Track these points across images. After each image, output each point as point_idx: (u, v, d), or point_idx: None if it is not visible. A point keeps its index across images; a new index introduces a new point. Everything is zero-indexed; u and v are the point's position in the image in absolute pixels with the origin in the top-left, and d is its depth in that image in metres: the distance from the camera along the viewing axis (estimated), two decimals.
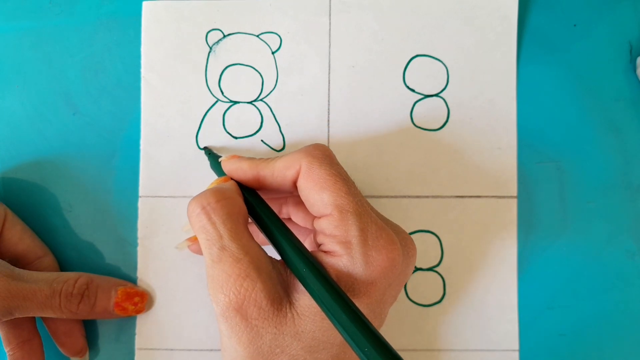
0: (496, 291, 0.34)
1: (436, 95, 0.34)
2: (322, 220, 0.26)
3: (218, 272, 0.25)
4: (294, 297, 0.25)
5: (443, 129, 0.34)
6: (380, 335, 0.23)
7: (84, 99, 0.35)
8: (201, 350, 0.34)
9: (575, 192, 0.34)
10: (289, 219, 0.32)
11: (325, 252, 0.26)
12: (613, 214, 0.34)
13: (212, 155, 0.33)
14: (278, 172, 0.27)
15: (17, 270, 0.30)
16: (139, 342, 0.34)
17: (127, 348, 0.34)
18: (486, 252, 0.34)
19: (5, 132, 0.35)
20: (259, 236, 0.30)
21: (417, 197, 0.34)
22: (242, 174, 0.29)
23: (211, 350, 0.34)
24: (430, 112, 0.34)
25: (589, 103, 0.34)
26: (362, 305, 0.25)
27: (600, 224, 0.34)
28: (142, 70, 0.35)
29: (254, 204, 0.28)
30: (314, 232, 0.28)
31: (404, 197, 0.34)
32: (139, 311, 0.33)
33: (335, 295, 0.23)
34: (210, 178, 0.34)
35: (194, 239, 0.31)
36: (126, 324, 0.34)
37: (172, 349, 0.34)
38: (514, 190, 0.34)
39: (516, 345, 0.34)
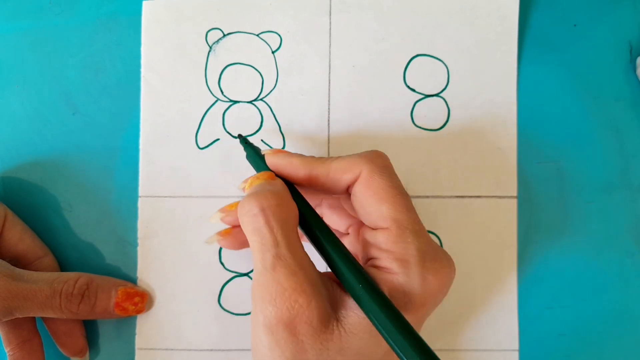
0: (496, 291, 0.34)
1: (436, 95, 0.34)
2: (378, 234, 0.25)
3: (270, 281, 0.24)
4: (341, 314, 0.24)
5: (443, 129, 0.34)
6: (437, 356, 0.22)
7: (84, 98, 0.35)
8: (201, 350, 0.34)
9: (575, 192, 0.34)
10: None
11: (377, 267, 0.25)
12: (613, 214, 0.34)
13: (251, 146, 0.31)
14: (334, 173, 0.26)
15: (17, 270, 0.30)
16: (139, 342, 0.34)
17: (127, 348, 0.34)
18: (486, 252, 0.34)
19: (5, 132, 0.35)
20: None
21: (417, 197, 0.34)
22: (292, 170, 0.27)
23: (211, 350, 0.34)
24: (430, 112, 0.34)
25: (589, 103, 0.34)
26: None
27: (600, 224, 0.34)
28: (142, 70, 0.35)
29: (303, 209, 0.26)
30: (364, 244, 0.27)
31: None
32: (139, 311, 0.33)
33: (393, 316, 0.23)
34: (214, 174, 0.34)
35: (224, 234, 0.30)
36: (126, 324, 0.34)
37: (172, 349, 0.34)
38: (514, 190, 0.34)
39: (516, 345, 0.34)
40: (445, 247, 0.34)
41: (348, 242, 0.30)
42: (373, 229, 0.26)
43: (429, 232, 0.34)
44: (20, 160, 0.35)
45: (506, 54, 0.34)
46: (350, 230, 0.30)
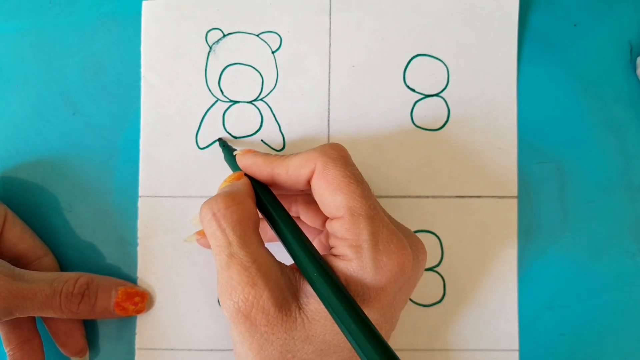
0: (496, 291, 0.34)
1: (436, 95, 0.34)
2: (334, 223, 0.26)
3: (226, 278, 0.25)
4: (303, 302, 0.25)
5: (443, 128, 0.34)
6: (387, 343, 0.23)
7: (83, 98, 0.35)
8: (201, 350, 0.34)
9: (575, 192, 0.34)
10: (298, 218, 0.32)
11: (335, 255, 0.26)
12: (613, 214, 0.34)
13: (227, 148, 0.32)
14: (292, 170, 0.27)
15: (17, 270, 0.30)
16: (139, 342, 0.34)
17: (128, 348, 0.34)
18: (486, 252, 0.34)
19: (5, 132, 0.35)
20: (268, 232, 0.31)
21: (417, 197, 0.34)
22: (256, 170, 0.29)
23: (211, 350, 0.34)
24: (430, 111, 0.34)
25: (589, 103, 0.34)
26: (372, 310, 0.25)
27: (600, 224, 0.34)
28: (142, 70, 0.35)
29: (267, 204, 0.28)
30: (325, 234, 0.28)
31: (404, 197, 0.34)
32: (140, 311, 0.33)
33: (344, 300, 0.23)
34: (214, 174, 0.34)
35: (202, 233, 0.31)
36: (126, 324, 0.34)
37: (172, 349, 0.34)
38: (514, 190, 0.34)
39: (516, 345, 0.34)
40: (445, 248, 0.34)
41: (323, 237, 0.30)
42: (332, 219, 0.26)
43: (429, 232, 0.34)
44: (20, 160, 0.35)
45: (506, 54, 0.34)
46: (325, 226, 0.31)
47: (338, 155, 0.27)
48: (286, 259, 0.27)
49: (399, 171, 0.34)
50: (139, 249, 0.34)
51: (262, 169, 0.28)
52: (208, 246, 0.33)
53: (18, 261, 0.33)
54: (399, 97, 0.34)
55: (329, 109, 0.34)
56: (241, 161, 0.29)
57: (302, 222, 0.32)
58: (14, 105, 0.35)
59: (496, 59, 0.34)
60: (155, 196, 0.34)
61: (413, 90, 0.34)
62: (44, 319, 0.34)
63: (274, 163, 0.28)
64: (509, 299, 0.34)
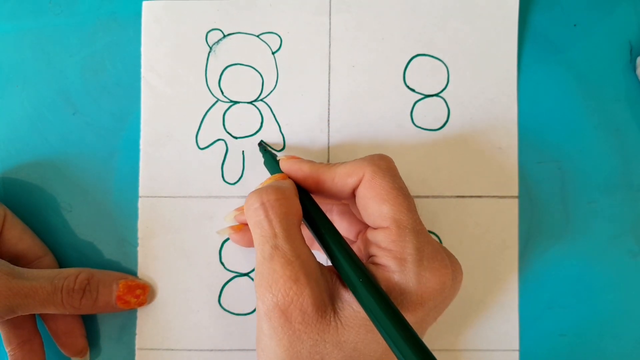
0: (497, 291, 0.34)
1: (436, 95, 0.34)
2: (379, 233, 0.26)
3: (268, 270, 0.25)
4: (338, 306, 0.25)
5: (443, 128, 0.34)
6: (431, 353, 0.22)
7: (83, 98, 0.35)
8: (201, 350, 0.34)
9: (576, 192, 0.34)
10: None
11: (376, 264, 0.26)
12: (614, 214, 0.34)
13: (268, 153, 0.32)
14: (339, 177, 0.27)
15: (17, 268, 0.30)
16: (139, 342, 0.34)
17: (128, 348, 0.34)
18: (487, 252, 0.34)
19: (5, 132, 0.35)
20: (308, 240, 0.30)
21: (417, 197, 0.34)
22: (301, 175, 0.28)
23: (211, 350, 0.34)
24: (430, 111, 0.34)
25: (589, 103, 0.34)
26: None
27: (601, 224, 0.34)
28: (142, 70, 0.35)
29: (310, 208, 0.28)
30: (363, 242, 0.28)
31: None
32: (142, 303, 0.33)
33: (388, 309, 0.23)
34: (215, 174, 0.34)
35: (236, 228, 0.31)
36: (126, 324, 0.34)
37: (172, 349, 0.34)
38: (515, 190, 0.34)
39: (516, 345, 0.34)
40: (445, 247, 0.34)
41: (357, 248, 0.30)
42: (375, 228, 0.26)
43: (430, 232, 0.34)
44: (20, 160, 0.35)
45: (506, 54, 0.34)
46: (359, 236, 0.30)
47: (387, 166, 0.27)
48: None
49: (399, 171, 0.34)
50: (139, 249, 0.34)
51: (307, 174, 0.28)
52: (240, 242, 0.32)
53: (18, 261, 0.33)
54: (399, 97, 0.34)
55: (329, 109, 0.34)
56: (285, 165, 0.29)
57: None
58: (14, 105, 0.35)
59: (496, 58, 0.34)
60: (156, 196, 0.34)
61: (413, 90, 0.34)
62: (44, 319, 0.34)
63: (320, 170, 0.28)
64: (510, 299, 0.34)
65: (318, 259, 0.27)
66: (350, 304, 0.25)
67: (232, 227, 0.32)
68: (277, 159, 0.30)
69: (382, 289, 0.24)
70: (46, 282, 0.30)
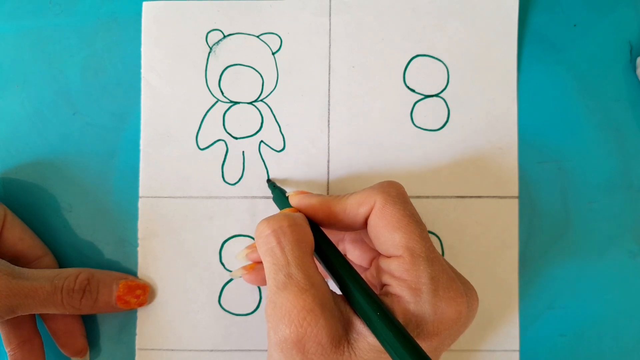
0: (497, 291, 0.34)
1: (436, 95, 0.34)
2: (392, 262, 0.25)
3: (282, 300, 0.24)
4: (352, 337, 0.24)
5: (443, 129, 0.34)
6: None
7: (84, 99, 0.35)
8: (201, 350, 0.34)
9: (576, 192, 0.34)
10: (345, 256, 0.32)
11: (390, 294, 0.25)
12: (614, 214, 0.34)
13: (278, 190, 0.32)
14: (351, 208, 0.27)
15: (17, 268, 0.30)
16: (139, 342, 0.34)
17: (128, 348, 0.34)
18: (487, 252, 0.34)
19: (5, 132, 0.35)
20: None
21: (417, 197, 0.34)
22: (310, 210, 0.28)
23: (211, 350, 0.34)
24: (430, 112, 0.34)
25: (589, 103, 0.34)
26: None
27: (601, 224, 0.34)
28: (142, 71, 0.35)
29: (320, 241, 0.27)
30: (375, 270, 0.27)
31: None
32: (142, 303, 0.33)
33: (407, 342, 0.23)
34: (215, 174, 0.34)
35: (249, 268, 0.31)
36: (127, 324, 0.34)
37: (172, 349, 0.34)
38: (515, 191, 0.34)
39: (517, 346, 0.34)
40: (446, 248, 0.34)
41: (369, 275, 0.30)
42: (387, 257, 0.26)
43: (430, 232, 0.34)
44: (20, 160, 0.35)
45: (506, 54, 0.34)
46: (372, 264, 0.30)
47: (397, 193, 0.26)
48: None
49: (399, 171, 0.34)
50: (139, 249, 0.34)
51: (317, 209, 0.28)
52: (254, 282, 0.32)
53: (18, 261, 0.33)
54: (399, 97, 0.34)
55: (329, 109, 0.34)
56: (294, 200, 0.29)
57: (349, 260, 0.31)
58: (14, 105, 0.35)
59: (496, 59, 0.34)
60: (156, 197, 0.34)
61: (413, 90, 0.34)
62: (44, 319, 0.34)
63: (330, 202, 0.28)
64: (510, 299, 0.34)
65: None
66: (365, 337, 0.24)
67: (245, 267, 0.31)
68: (287, 194, 0.30)
69: (398, 322, 0.24)
70: (46, 282, 0.30)
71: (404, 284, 0.25)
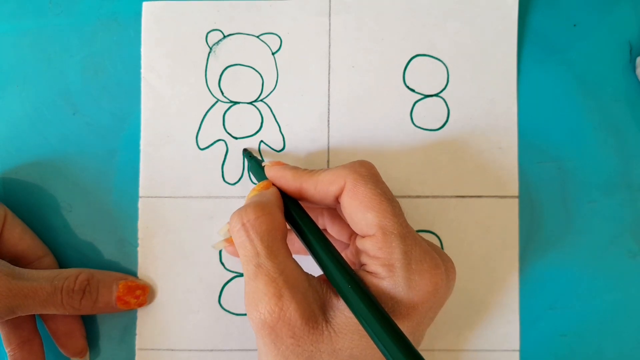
0: (497, 291, 0.34)
1: (436, 95, 0.34)
2: (366, 241, 0.26)
3: (253, 289, 0.25)
4: (330, 315, 0.25)
5: (443, 128, 0.34)
6: (421, 356, 0.22)
7: (84, 99, 0.35)
8: (202, 350, 0.34)
9: (576, 191, 0.34)
10: (325, 231, 0.32)
11: (367, 272, 0.26)
12: (615, 214, 0.34)
13: (254, 159, 0.32)
14: (321, 186, 0.27)
15: (17, 269, 0.30)
16: (139, 342, 0.34)
17: (128, 348, 0.34)
18: (487, 252, 0.34)
19: (5, 132, 0.35)
20: (296, 244, 0.31)
21: (417, 197, 0.34)
22: (284, 182, 0.28)
23: (212, 350, 0.34)
24: (430, 112, 0.34)
25: (589, 103, 0.34)
26: (402, 327, 0.25)
27: (602, 224, 0.34)
28: (142, 71, 0.35)
29: (296, 216, 0.28)
30: (354, 250, 0.28)
31: (404, 197, 0.34)
32: (142, 304, 0.33)
33: (378, 314, 0.23)
34: (215, 174, 0.34)
35: (230, 241, 0.31)
36: (127, 324, 0.34)
37: (172, 349, 0.34)
38: (515, 190, 0.34)
39: (517, 346, 0.34)
40: (446, 248, 0.34)
41: (350, 254, 0.30)
42: (362, 236, 0.26)
43: (430, 232, 0.34)
44: (21, 160, 0.35)
45: (506, 54, 0.34)
46: (351, 242, 0.30)
47: (368, 172, 0.27)
48: (314, 270, 0.27)
49: (399, 171, 0.34)
50: (139, 249, 0.34)
51: (290, 183, 0.28)
52: (235, 254, 0.33)
53: (18, 261, 0.33)
54: (399, 97, 0.34)
55: (329, 109, 0.34)
56: (269, 172, 0.29)
57: (329, 234, 0.32)
58: (14, 105, 0.35)
59: (496, 58, 0.34)
60: (156, 197, 0.34)
61: (413, 90, 0.34)
62: (44, 319, 0.34)
63: (302, 177, 0.28)
64: (510, 299, 0.34)
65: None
66: (342, 311, 0.25)
67: (227, 240, 0.31)
68: (263, 164, 0.30)
69: (370, 293, 0.24)
70: (46, 283, 0.30)
71: (378, 262, 0.25)
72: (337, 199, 0.27)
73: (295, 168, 0.29)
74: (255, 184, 0.33)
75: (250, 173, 0.32)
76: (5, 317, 0.29)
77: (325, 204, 0.28)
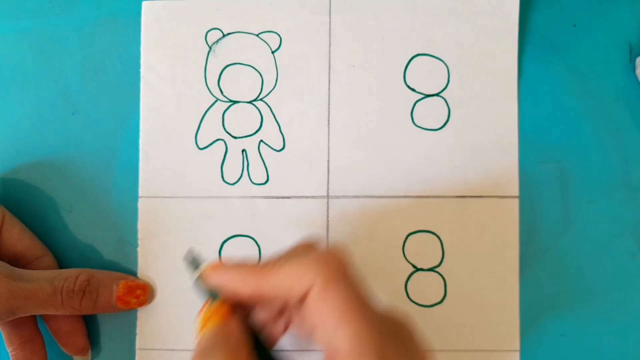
0: (497, 291, 0.34)
1: (437, 94, 0.34)
2: (335, 345, 0.22)
3: None
4: None
5: (444, 128, 0.34)
6: None
7: (83, 98, 0.35)
8: None
9: (576, 192, 0.34)
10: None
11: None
12: (615, 214, 0.34)
13: (193, 264, 0.26)
14: (282, 288, 0.23)
15: (17, 270, 0.30)
16: (139, 342, 0.34)
17: (128, 348, 0.34)
18: (487, 252, 0.34)
19: (5, 132, 0.35)
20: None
21: (417, 197, 0.34)
22: (235, 289, 0.24)
23: None
24: (430, 111, 0.34)
25: (589, 103, 0.34)
26: None
27: (602, 224, 0.34)
28: (142, 70, 0.35)
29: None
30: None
31: (404, 197, 0.34)
32: (142, 303, 0.33)
33: None
34: (214, 174, 0.34)
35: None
36: (127, 324, 0.34)
37: (172, 349, 0.34)
38: (515, 190, 0.34)
39: (517, 346, 0.34)
40: (446, 248, 0.34)
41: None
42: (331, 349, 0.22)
43: (430, 232, 0.34)
44: (20, 160, 0.35)
45: (506, 54, 0.34)
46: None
47: (338, 272, 0.23)
48: None
49: (399, 171, 0.34)
50: (139, 249, 0.34)
51: (243, 288, 0.24)
52: None
53: (17, 261, 0.33)
54: (399, 97, 0.34)
55: (329, 109, 0.34)
56: (213, 279, 0.24)
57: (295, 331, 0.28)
58: (13, 105, 0.35)
59: (497, 58, 0.34)
60: (156, 196, 0.34)
61: (413, 90, 0.34)
62: (45, 319, 0.34)
63: (257, 277, 0.23)
64: (510, 299, 0.34)
65: None
66: None
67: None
68: (200, 269, 0.25)
69: None
70: (46, 284, 0.30)
71: None
72: (301, 300, 0.23)
73: (242, 266, 0.24)
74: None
75: (196, 288, 0.26)
76: (6, 318, 0.29)
77: (288, 305, 0.25)
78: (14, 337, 0.32)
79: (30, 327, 0.33)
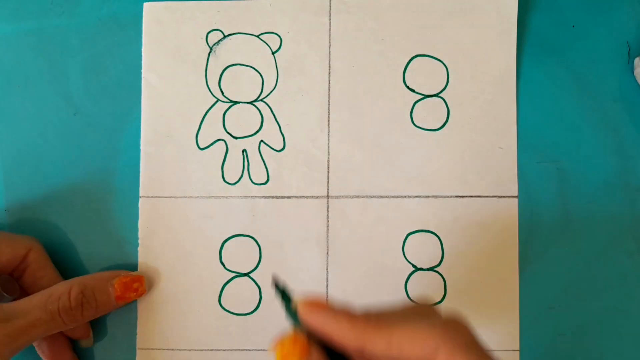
0: (497, 291, 0.34)
1: (436, 95, 0.34)
2: None
3: None
4: None
5: (443, 128, 0.34)
6: None
7: (84, 99, 0.35)
8: (202, 350, 0.34)
9: (575, 192, 0.34)
10: None
11: None
12: (613, 214, 0.34)
13: (286, 297, 0.24)
14: (398, 349, 0.20)
15: (6, 307, 0.29)
16: (139, 342, 0.34)
17: (128, 348, 0.34)
18: (487, 252, 0.34)
19: (6, 132, 0.35)
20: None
21: (417, 197, 0.34)
22: (337, 337, 0.21)
23: (212, 350, 0.34)
24: (430, 112, 0.34)
25: (588, 103, 0.34)
26: None
27: (600, 224, 0.34)
28: (143, 71, 0.35)
29: None
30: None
31: (404, 197, 0.34)
32: (142, 293, 0.33)
33: None
34: (215, 174, 0.34)
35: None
36: (127, 324, 0.34)
37: (172, 349, 0.34)
38: (514, 190, 0.34)
39: (517, 346, 0.34)
40: (445, 247, 0.34)
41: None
42: None
43: (430, 232, 0.34)
44: (22, 160, 0.35)
45: (505, 54, 0.34)
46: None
47: (467, 339, 0.21)
48: None
49: (399, 171, 0.34)
50: (139, 249, 0.34)
51: (348, 338, 0.21)
52: None
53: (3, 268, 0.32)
54: (399, 97, 0.34)
55: (329, 109, 0.34)
56: (311, 320, 0.22)
57: None
58: (15, 105, 0.35)
59: (495, 59, 0.34)
60: (156, 196, 0.34)
61: (413, 90, 0.35)
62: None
63: (366, 333, 0.21)
64: (510, 299, 0.34)
65: None
66: None
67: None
68: (295, 305, 0.23)
69: None
70: (40, 312, 0.29)
71: None
72: None
73: (344, 314, 0.22)
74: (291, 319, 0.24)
75: (286, 315, 0.24)
76: (11, 356, 0.28)
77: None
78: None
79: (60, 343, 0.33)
